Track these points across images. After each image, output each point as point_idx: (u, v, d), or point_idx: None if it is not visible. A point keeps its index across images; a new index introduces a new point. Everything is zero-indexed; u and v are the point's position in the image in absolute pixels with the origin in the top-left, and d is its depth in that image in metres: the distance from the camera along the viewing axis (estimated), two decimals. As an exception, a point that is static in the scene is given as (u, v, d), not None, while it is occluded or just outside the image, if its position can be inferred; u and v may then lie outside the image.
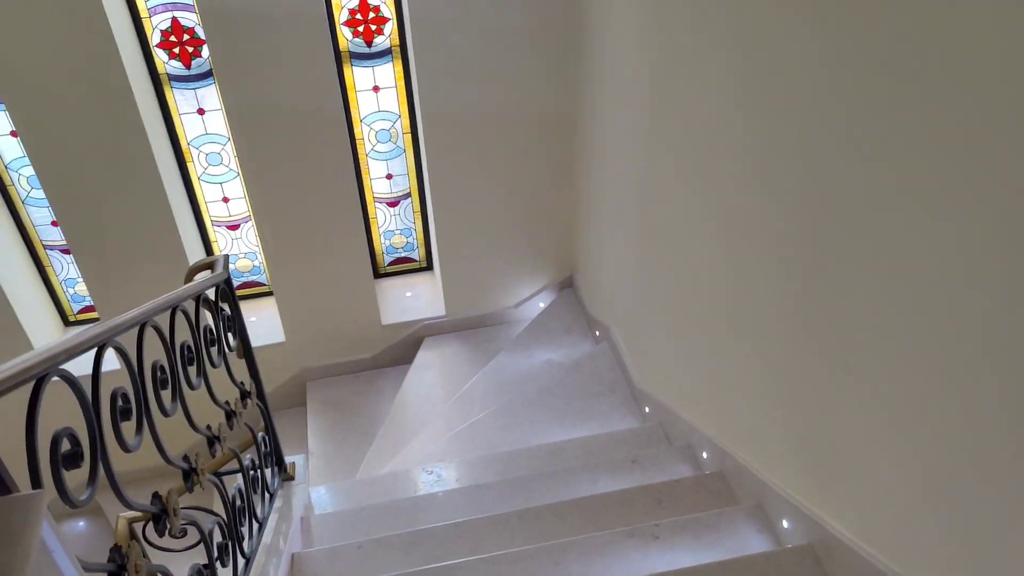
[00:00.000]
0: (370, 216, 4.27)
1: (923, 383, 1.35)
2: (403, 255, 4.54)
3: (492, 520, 2.37)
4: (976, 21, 1.08)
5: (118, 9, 3.28)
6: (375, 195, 4.24)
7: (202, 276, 2.03)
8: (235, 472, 2.03)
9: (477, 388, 3.74)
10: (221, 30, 3.20)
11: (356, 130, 3.94)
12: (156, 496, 1.45)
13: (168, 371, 1.58)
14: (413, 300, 4.45)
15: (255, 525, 2.10)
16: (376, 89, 3.86)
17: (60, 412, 1.23)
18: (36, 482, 0.98)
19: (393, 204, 4.29)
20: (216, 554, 1.72)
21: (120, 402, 1.29)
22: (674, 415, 2.80)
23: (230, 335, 2.13)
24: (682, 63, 2.25)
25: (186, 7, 3.48)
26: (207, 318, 1.98)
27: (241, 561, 1.91)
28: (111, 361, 1.34)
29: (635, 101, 2.72)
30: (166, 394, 1.56)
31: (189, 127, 3.80)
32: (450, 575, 2.09)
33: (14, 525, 0.78)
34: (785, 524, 2.03)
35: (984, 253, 1.14)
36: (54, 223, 3.83)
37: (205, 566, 1.67)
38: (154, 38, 3.52)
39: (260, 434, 2.33)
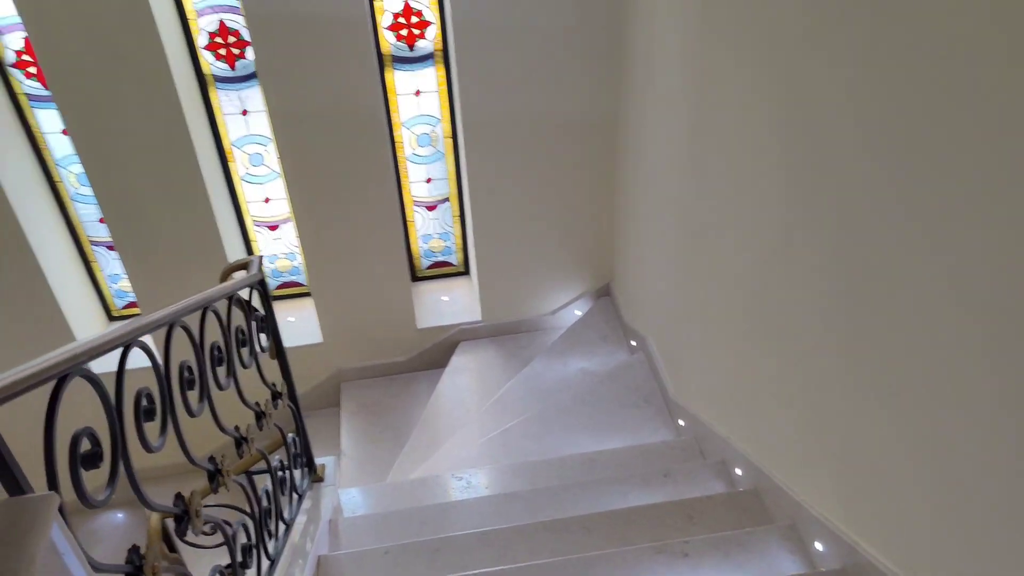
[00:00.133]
0: (408, 219, 4.28)
1: (968, 416, 1.28)
2: (441, 259, 4.54)
3: (519, 530, 2.33)
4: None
5: (166, 11, 3.35)
6: (414, 199, 4.24)
7: (237, 276, 2.04)
8: (264, 472, 2.04)
9: (511, 395, 3.71)
10: (266, 33, 3.24)
11: (396, 133, 3.95)
12: (179, 497, 1.45)
13: (196, 371, 1.58)
14: (449, 304, 4.44)
15: (281, 527, 2.10)
16: (418, 93, 3.86)
17: (85, 410, 1.23)
18: (52, 482, 0.98)
19: (432, 208, 4.30)
20: (240, 557, 1.72)
21: (144, 402, 1.29)
22: (709, 429, 2.74)
23: (263, 336, 2.13)
24: (725, 75, 2.20)
25: (232, 9, 3.53)
26: (240, 318, 1.98)
27: (266, 563, 1.90)
28: (142, 359, 1.34)
29: (678, 109, 2.67)
30: (193, 395, 1.56)
31: (232, 128, 3.85)
32: (474, 585, 2.07)
33: (22, 527, 0.78)
34: (818, 546, 1.97)
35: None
36: (101, 220, 3.92)
37: (227, 566, 1.67)
38: (201, 40, 3.58)
39: (291, 435, 2.33)
